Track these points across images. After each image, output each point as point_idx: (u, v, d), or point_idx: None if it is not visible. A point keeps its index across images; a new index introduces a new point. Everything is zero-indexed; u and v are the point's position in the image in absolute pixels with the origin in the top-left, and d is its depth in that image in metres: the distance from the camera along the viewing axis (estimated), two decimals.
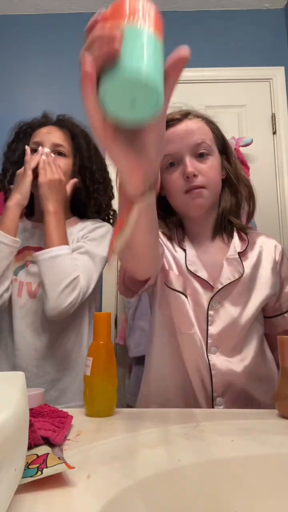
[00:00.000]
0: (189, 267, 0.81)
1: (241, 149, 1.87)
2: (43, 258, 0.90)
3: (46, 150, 0.97)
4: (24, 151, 1.04)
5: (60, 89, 2.11)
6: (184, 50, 0.39)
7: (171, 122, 0.82)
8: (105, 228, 1.05)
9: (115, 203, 1.17)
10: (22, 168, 0.97)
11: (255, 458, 0.45)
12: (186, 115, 0.83)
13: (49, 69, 2.15)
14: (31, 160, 0.96)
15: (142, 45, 0.36)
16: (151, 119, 0.39)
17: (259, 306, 0.81)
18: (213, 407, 0.75)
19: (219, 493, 0.42)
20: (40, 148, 0.98)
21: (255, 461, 0.45)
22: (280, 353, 0.63)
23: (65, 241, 0.93)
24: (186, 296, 0.79)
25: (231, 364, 0.77)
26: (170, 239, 0.86)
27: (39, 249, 0.97)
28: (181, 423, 0.56)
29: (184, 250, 0.84)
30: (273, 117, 2.07)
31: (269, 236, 0.91)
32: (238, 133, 2.03)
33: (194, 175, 0.78)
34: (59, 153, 1.02)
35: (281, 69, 2.11)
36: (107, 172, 1.13)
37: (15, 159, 1.06)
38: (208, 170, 0.80)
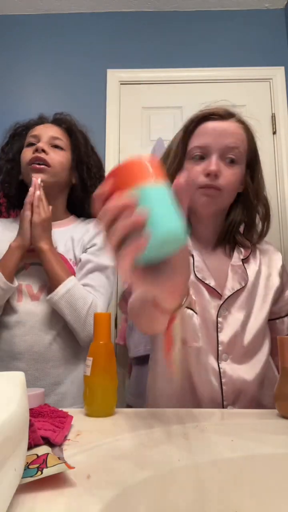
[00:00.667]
0: (197, 274, 0.79)
1: None
2: (58, 297, 0.90)
3: (39, 181, 0.95)
4: (18, 150, 1.04)
5: (60, 88, 2.11)
6: (181, 178, 0.42)
7: (213, 116, 0.80)
8: None
9: None
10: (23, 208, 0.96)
11: (255, 458, 0.45)
12: (230, 115, 0.81)
13: (49, 69, 2.15)
14: (27, 197, 0.95)
15: (164, 203, 0.39)
16: (176, 252, 0.42)
17: (267, 313, 0.81)
18: None
19: (219, 493, 0.42)
20: (33, 179, 0.95)
21: (255, 461, 0.45)
22: (280, 353, 0.63)
23: (68, 273, 0.93)
24: (193, 310, 0.78)
25: (241, 371, 0.76)
26: None
27: (34, 250, 0.96)
28: (181, 423, 0.56)
29: (192, 256, 0.82)
30: (273, 117, 2.07)
31: (272, 245, 0.92)
32: None
33: (216, 175, 0.76)
34: (56, 146, 1.01)
35: (281, 69, 2.11)
36: (103, 170, 1.12)
37: (10, 157, 1.05)
38: (231, 177, 0.78)
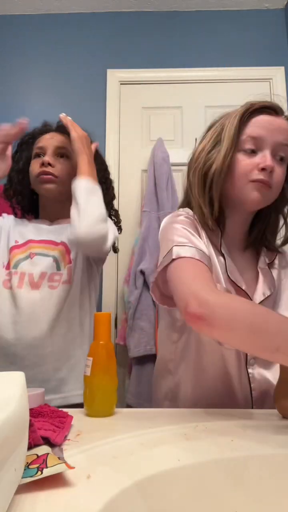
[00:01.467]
0: (230, 276, 0.77)
1: None
2: (88, 183, 0.96)
3: (63, 114, 1.05)
4: (27, 160, 1.09)
5: (60, 88, 2.11)
6: None
7: (268, 109, 0.78)
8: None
9: (115, 203, 1.19)
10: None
11: (255, 458, 0.45)
12: (282, 112, 0.79)
13: (49, 68, 2.15)
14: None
15: None
16: None
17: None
18: None
19: (219, 493, 0.42)
20: (61, 115, 1.05)
21: (255, 461, 0.45)
22: None
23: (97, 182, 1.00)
24: None
25: (267, 375, 0.76)
26: (212, 242, 0.80)
27: (42, 242, 1.03)
28: (181, 423, 0.56)
29: (223, 256, 0.79)
30: None
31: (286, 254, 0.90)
32: None
33: (271, 171, 0.74)
34: (62, 155, 1.06)
35: (281, 69, 2.11)
36: (108, 173, 1.16)
37: (20, 168, 1.10)
38: (281, 175, 0.77)
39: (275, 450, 0.47)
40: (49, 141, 1.07)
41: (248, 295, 0.76)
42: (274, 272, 0.83)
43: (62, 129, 1.10)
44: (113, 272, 1.92)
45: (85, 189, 0.96)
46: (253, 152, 0.76)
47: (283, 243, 0.85)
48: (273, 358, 0.59)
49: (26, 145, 1.11)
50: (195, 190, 0.79)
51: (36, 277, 0.99)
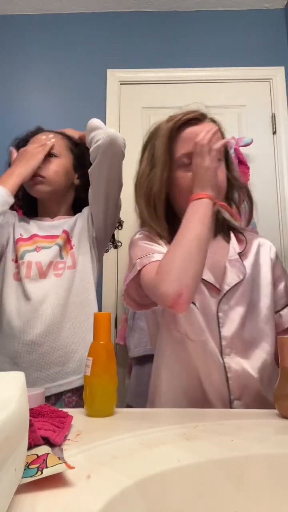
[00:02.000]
0: None
1: (241, 149, 1.87)
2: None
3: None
4: None
5: (60, 88, 2.11)
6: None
7: (190, 121, 0.83)
8: None
9: None
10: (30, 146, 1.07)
11: (255, 458, 0.45)
12: (204, 116, 0.85)
13: (49, 69, 2.15)
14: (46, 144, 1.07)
15: None
16: None
17: (270, 304, 0.82)
18: None
19: (219, 493, 0.42)
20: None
21: (255, 461, 0.45)
22: (280, 353, 0.63)
23: None
24: (194, 304, 0.78)
25: (246, 365, 0.77)
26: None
27: (46, 237, 1.07)
28: (181, 423, 0.56)
29: None
30: (273, 117, 2.07)
31: (265, 238, 0.93)
32: (238, 133, 2.03)
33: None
34: (49, 155, 1.09)
35: (281, 69, 2.11)
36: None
37: None
38: (222, 174, 0.82)
39: (275, 450, 0.47)
40: (38, 139, 1.10)
41: (215, 287, 0.80)
42: (248, 260, 0.84)
43: (55, 130, 1.14)
44: (113, 272, 1.91)
45: (101, 122, 1.04)
46: (190, 165, 0.80)
47: (246, 224, 0.90)
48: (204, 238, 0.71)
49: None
50: (145, 213, 0.86)
51: (44, 266, 1.03)
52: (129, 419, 0.61)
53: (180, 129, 0.83)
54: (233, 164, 0.91)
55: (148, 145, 0.89)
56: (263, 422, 0.59)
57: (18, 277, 1.03)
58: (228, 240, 0.87)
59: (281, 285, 0.87)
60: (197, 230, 0.71)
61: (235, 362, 0.76)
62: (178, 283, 0.67)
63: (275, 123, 2.06)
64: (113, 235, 1.19)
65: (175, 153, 0.82)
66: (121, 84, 2.12)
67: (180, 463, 0.42)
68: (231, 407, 0.75)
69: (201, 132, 0.79)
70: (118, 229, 1.20)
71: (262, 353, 0.79)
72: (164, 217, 0.85)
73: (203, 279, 0.79)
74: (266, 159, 2.03)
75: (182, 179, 0.82)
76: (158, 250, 0.79)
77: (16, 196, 1.14)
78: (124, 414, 0.64)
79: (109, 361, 0.66)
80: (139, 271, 0.76)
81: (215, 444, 0.48)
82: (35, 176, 1.06)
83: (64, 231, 1.08)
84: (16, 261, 1.05)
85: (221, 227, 0.89)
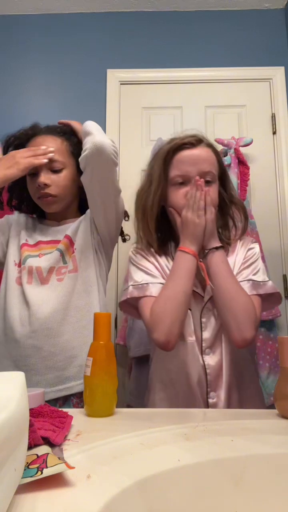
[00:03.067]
0: None
1: (241, 149, 1.87)
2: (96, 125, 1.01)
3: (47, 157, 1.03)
4: None
5: (60, 88, 2.11)
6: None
7: (185, 145, 0.92)
8: None
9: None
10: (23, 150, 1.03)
11: (255, 458, 0.45)
12: (199, 141, 0.93)
13: (49, 69, 2.15)
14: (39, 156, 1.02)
15: None
16: None
17: None
18: (207, 402, 0.88)
19: (219, 493, 0.42)
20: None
21: (255, 461, 0.45)
22: (280, 353, 0.63)
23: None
24: (189, 309, 0.91)
25: (219, 360, 0.89)
26: (164, 253, 0.97)
27: (49, 243, 1.06)
28: (181, 423, 0.56)
29: None
30: (273, 117, 2.07)
31: (249, 239, 1.01)
32: (238, 133, 2.03)
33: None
34: (55, 170, 1.05)
35: (281, 69, 2.11)
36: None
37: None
38: (212, 192, 0.91)
39: (275, 450, 0.47)
40: (34, 144, 1.05)
41: (200, 295, 0.92)
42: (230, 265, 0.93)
43: (50, 130, 1.08)
44: (113, 272, 1.91)
45: (95, 125, 1.00)
46: (182, 184, 0.92)
47: (240, 235, 0.99)
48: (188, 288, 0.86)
49: (13, 148, 1.08)
50: (139, 225, 0.99)
51: (44, 271, 1.02)
52: (129, 419, 0.61)
53: (175, 152, 0.92)
54: (230, 183, 1.00)
55: (150, 164, 1.00)
56: (263, 422, 0.59)
57: (20, 282, 1.02)
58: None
59: (241, 266, 0.95)
60: (183, 285, 0.86)
61: (212, 360, 0.89)
62: (167, 334, 0.83)
63: (275, 123, 2.06)
64: (121, 228, 1.17)
65: (170, 173, 0.93)
66: (121, 84, 2.12)
67: (180, 463, 0.42)
68: (207, 398, 0.88)
69: (194, 156, 0.91)
70: (125, 220, 1.17)
71: (231, 351, 0.89)
72: (155, 229, 0.96)
73: None
74: (266, 159, 2.03)
75: (174, 196, 0.93)
76: (150, 280, 0.92)
77: (21, 203, 1.15)
78: (124, 414, 0.64)
79: (109, 361, 0.66)
80: (135, 298, 0.92)
81: (215, 444, 0.48)
82: (46, 196, 1.04)
83: (66, 236, 1.06)
84: (19, 265, 1.05)
85: None
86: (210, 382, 0.88)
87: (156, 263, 0.95)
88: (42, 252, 1.05)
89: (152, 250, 0.97)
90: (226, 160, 1.84)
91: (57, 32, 2.18)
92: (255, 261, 0.94)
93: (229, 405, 0.87)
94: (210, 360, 0.89)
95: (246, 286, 0.89)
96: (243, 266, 0.93)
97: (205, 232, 0.89)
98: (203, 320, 0.91)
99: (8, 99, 2.11)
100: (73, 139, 1.09)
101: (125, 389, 1.70)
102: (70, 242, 1.06)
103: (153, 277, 0.93)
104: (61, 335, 0.98)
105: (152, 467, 0.40)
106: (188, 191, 0.90)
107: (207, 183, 0.91)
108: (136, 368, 1.68)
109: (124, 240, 1.20)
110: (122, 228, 1.17)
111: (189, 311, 0.90)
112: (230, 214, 0.99)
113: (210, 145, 0.94)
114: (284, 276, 1.90)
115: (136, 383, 1.67)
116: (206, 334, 0.90)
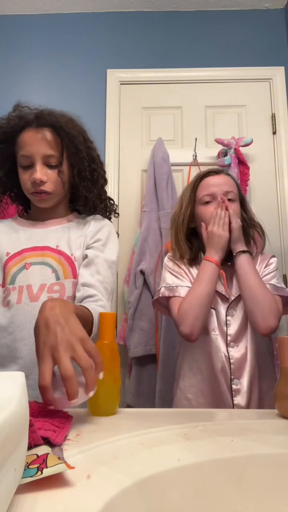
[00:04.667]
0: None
1: (241, 149, 1.87)
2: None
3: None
4: (7, 154, 1.01)
5: (60, 88, 2.11)
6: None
7: (210, 174, 1.15)
8: (106, 228, 1.04)
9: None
10: None
11: (255, 458, 0.45)
12: (221, 171, 1.18)
13: (49, 69, 2.15)
14: None
15: None
16: None
17: None
18: (231, 387, 1.02)
19: (219, 493, 0.42)
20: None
21: (255, 461, 0.45)
22: (280, 353, 0.63)
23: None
24: (213, 308, 1.08)
25: (244, 353, 1.04)
26: (194, 263, 1.15)
27: (36, 249, 0.97)
28: (181, 423, 0.56)
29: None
30: (273, 117, 2.07)
31: (265, 254, 1.17)
32: (238, 133, 2.03)
33: (227, 208, 1.08)
34: (51, 165, 0.97)
35: (281, 69, 2.11)
36: (95, 157, 1.06)
37: (5, 173, 1.04)
38: (234, 208, 1.10)
39: (275, 450, 0.47)
40: (36, 147, 0.96)
41: (225, 296, 1.09)
42: None
43: (41, 121, 0.99)
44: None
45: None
46: (208, 203, 1.12)
47: (258, 251, 1.17)
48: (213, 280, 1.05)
49: (3, 144, 1.01)
50: (173, 239, 1.18)
51: (35, 289, 0.94)
52: (129, 419, 0.61)
53: (202, 178, 1.15)
54: (249, 207, 1.21)
55: (183, 193, 1.21)
56: (263, 422, 0.59)
57: (5, 303, 0.93)
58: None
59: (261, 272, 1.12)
60: (207, 288, 1.03)
61: (236, 352, 1.04)
62: (191, 327, 1.01)
63: (275, 123, 2.06)
64: (111, 206, 1.11)
65: (198, 195, 1.14)
66: (121, 84, 2.12)
67: (180, 463, 0.42)
68: (231, 385, 1.02)
69: (219, 180, 1.14)
70: (115, 216, 1.13)
71: (258, 342, 1.06)
72: (185, 242, 1.16)
73: (216, 291, 1.07)
74: (266, 159, 2.03)
75: (203, 213, 1.13)
76: (180, 283, 1.10)
77: (10, 192, 1.07)
78: (124, 414, 0.64)
79: (112, 361, 0.67)
80: (166, 297, 1.10)
81: (215, 444, 0.48)
82: (41, 192, 0.97)
83: (64, 254, 0.98)
84: (3, 285, 0.95)
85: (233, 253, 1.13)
86: (234, 371, 1.03)
87: (186, 270, 1.13)
88: (27, 262, 0.96)
89: (184, 260, 1.14)
90: (226, 160, 1.84)
91: (57, 32, 2.18)
92: (274, 271, 1.11)
93: (250, 392, 1.01)
94: (234, 352, 1.04)
95: (268, 287, 1.05)
96: (265, 273, 1.10)
97: (232, 238, 1.07)
98: (228, 318, 1.07)
99: (8, 99, 2.10)
100: (66, 131, 0.99)
101: (125, 389, 1.70)
102: (70, 262, 0.97)
103: (182, 281, 1.10)
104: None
105: (152, 467, 0.40)
106: (214, 206, 1.09)
107: (230, 201, 1.10)
108: (136, 368, 1.68)
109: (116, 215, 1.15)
110: (115, 205, 1.12)
111: (213, 310, 1.07)
112: (251, 234, 1.17)
113: (228, 174, 1.18)
114: (284, 276, 1.90)
115: (136, 383, 1.67)
116: (231, 330, 1.06)
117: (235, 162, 1.84)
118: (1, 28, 2.20)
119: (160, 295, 1.10)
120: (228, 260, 1.14)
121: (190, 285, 1.08)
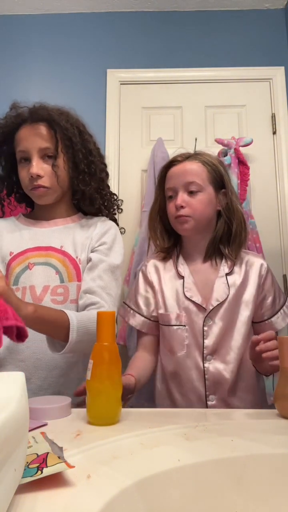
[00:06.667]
0: (186, 294, 0.98)
1: (241, 149, 1.87)
2: (74, 341, 0.82)
3: None
4: (9, 155, 1.01)
5: (60, 88, 2.11)
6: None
7: (173, 162, 1.02)
8: (112, 231, 1.02)
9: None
10: None
11: (255, 458, 0.45)
12: (186, 158, 1.00)
13: (49, 69, 2.15)
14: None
15: None
16: None
17: (247, 318, 0.96)
18: (206, 403, 0.93)
19: (219, 493, 0.42)
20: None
21: (255, 461, 0.45)
22: (280, 353, 0.63)
23: (61, 315, 0.83)
24: (183, 325, 0.97)
25: (221, 368, 0.94)
26: (169, 258, 1.05)
27: (40, 249, 0.96)
28: (181, 423, 0.56)
29: (182, 278, 1.00)
30: (273, 117, 2.07)
31: (256, 255, 1.06)
32: (238, 133, 2.03)
33: (182, 207, 0.96)
34: (48, 157, 0.96)
35: (281, 69, 2.11)
36: (95, 150, 1.05)
37: (6, 172, 1.04)
38: (196, 203, 0.97)
39: (275, 450, 0.47)
40: (31, 142, 0.95)
41: (202, 307, 0.96)
42: (234, 279, 0.98)
43: (36, 116, 0.97)
44: None
45: (84, 340, 0.83)
46: (171, 197, 1.00)
47: (237, 248, 1.01)
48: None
49: (4, 145, 1.01)
50: (151, 233, 1.08)
51: (38, 290, 0.92)
52: (129, 419, 0.61)
53: (167, 169, 1.02)
54: (233, 194, 1.02)
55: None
56: (263, 422, 0.59)
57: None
58: (219, 263, 1.01)
59: (270, 298, 1.00)
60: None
61: (213, 366, 0.94)
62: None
63: (275, 123, 2.06)
64: (114, 201, 1.10)
65: (165, 189, 1.02)
66: (121, 84, 2.12)
67: (180, 463, 0.42)
68: (206, 401, 0.93)
69: (179, 170, 0.99)
70: (118, 212, 1.12)
71: (238, 357, 0.94)
72: (162, 235, 1.07)
73: (192, 301, 0.97)
74: (266, 159, 2.03)
75: (167, 208, 1.02)
76: (136, 309, 1.05)
77: (13, 192, 1.06)
78: (124, 414, 0.64)
79: (112, 365, 0.61)
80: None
81: (215, 444, 0.48)
82: (38, 187, 0.95)
83: (68, 256, 0.96)
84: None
85: (213, 253, 1.02)
86: (209, 386, 0.93)
87: (156, 286, 1.02)
88: (31, 262, 0.94)
89: (159, 264, 1.05)
90: (226, 160, 1.84)
91: (57, 32, 2.18)
92: (275, 283, 1.02)
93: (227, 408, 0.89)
94: (210, 366, 0.94)
95: (281, 316, 0.99)
96: (269, 294, 0.99)
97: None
98: (205, 329, 0.96)
99: (8, 99, 2.10)
100: (59, 124, 0.97)
101: None
102: (74, 265, 0.96)
103: (139, 307, 1.03)
104: (52, 369, 0.90)
105: (152, 467, 0.40)
106: (174, 202, 0.98)
107: (191, 192, 0.97)
108: None
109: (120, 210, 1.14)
110: (118, 200, 1.12)
111: (182, 326, 0.97)
112: (233, 223, 1.00)
113: (198, 158, 1.00)
114: (284, 276, 1.90)
115: None
116: (207, 342, 0.95)
117: (235, 162, 1.84)
118: (1, 28, 2.20)
119: (117, 310, 1.00)
120: (207, 259, 1.01)
121: (146, 314, 1.01)
